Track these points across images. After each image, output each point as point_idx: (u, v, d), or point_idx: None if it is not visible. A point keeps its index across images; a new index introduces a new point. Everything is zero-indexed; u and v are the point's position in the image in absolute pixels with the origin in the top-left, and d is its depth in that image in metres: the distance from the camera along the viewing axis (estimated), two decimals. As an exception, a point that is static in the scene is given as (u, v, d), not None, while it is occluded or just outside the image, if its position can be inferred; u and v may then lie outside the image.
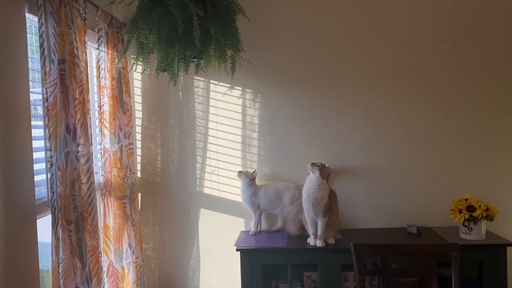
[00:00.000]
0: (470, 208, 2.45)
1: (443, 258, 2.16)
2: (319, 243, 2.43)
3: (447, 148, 2.78)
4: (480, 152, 2.76)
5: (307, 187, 2.49)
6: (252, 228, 2.73)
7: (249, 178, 2.70)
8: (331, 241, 2.48)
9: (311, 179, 2.49)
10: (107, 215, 2.48)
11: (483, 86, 2.75)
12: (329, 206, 2.49)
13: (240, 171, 2.74)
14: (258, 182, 2.80)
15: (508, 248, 2.39)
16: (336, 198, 2.59)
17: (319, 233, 2.45)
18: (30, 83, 1.83)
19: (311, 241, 2.48)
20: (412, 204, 2.79)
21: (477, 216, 2.41)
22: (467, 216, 2.43)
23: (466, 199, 2.49)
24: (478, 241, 2.43)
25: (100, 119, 2.46)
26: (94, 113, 2.50)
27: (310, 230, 2.49)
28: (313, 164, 2.49)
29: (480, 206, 2.43)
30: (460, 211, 2.47)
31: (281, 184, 2.75)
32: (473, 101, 2.76)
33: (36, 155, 1.87)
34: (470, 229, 2.45)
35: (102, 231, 2.45)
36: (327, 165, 2.54)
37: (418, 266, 2.32)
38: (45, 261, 1.92)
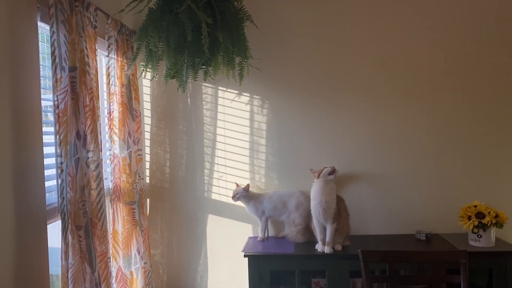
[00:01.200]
0: (480, 215, 2.43)
1: (452, 265, 2.15)
2: (327, 250, 2.42)
3: (456, 155, 2.76)
4: (489, 158, 2.75)
5: (315, 192, 2.48)
6: (260, 234, 2.73)
7: (243, 196, 2.70)
8: (338, 247, 2.47)
9: (319, 182, 2.49)
10: (116, 221, 2.50)
11: (491, 92, 2.74)
12: (338, 211, 2.49)
13: (232, 197, 2.73)
14: (265, 188, 2.82)
15: (518, 255, 2.37)
16: (344, 202, 2.59)
17: (327, 239, 2.45)
18: (42, 90, 1.86)
19: (319, 247, 2.48)
20: (420, 210, 2.78)
21: (486, 223, 2.39)
22: (476, 223, 2.41)
23: (475, 206, 2.48)
24: (488, 248, 2.41)
25: (110, 126, 2.48)
26: (103, 120, 2.52)
27: (318, 236, 2.49)
28: (324, 168, 2.52)
29: (489, 212, 2.42)
30: (469, 218, 2.45)
31: (285, 191, 2.76)
32: (481, 108, 2.74)
33: (46, 161, 1.89)
34: (479, 236, 2.43)
35: (111, 236, 2.46)
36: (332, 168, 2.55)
37: (427, 273, 2.31)
38: (55, 266, 1.94)
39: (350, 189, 2.79)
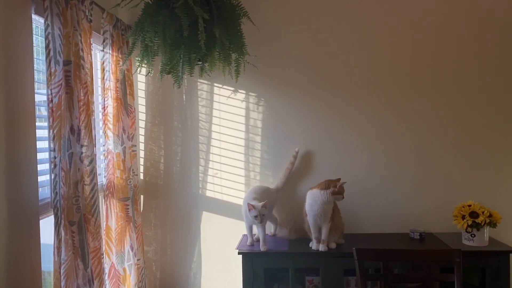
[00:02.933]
0: (473, 214, 2.44)
1: (445, 264, 2.16)
2: (321, 247, 2.42)
3: (450, 154, 2.77)
4: (483, 158, 2.76)
5: (318, 199, 2.44)
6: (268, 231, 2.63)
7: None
8: (332, 245, 2.47)
9: (314, 193, 2.47)
10: (110, 217, 2.48)
11: (486, 92, 2.75)
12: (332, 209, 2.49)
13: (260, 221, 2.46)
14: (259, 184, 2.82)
15: (511, 254, 2.38)
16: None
17: (323, 237, 2.44)
18: (35, 84, 1.83)
19: (313, 245, 2.48)
20: (415, 209, 2.78)
21: (480, 222, 2.40)
22: (470, 222, 2.42)
23: (469, 205, 2.48)
24: (481, 248, 2.41)
25: (104, 121, 2.46)
26: (98, 115, 2.50)
27: (313, 235, 2.49)
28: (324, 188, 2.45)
29: (483, 212, 2.42)
30: (463, 217, 2.46)
31: (262, 186, 2.70)
32: (476, 107, 2.75)
33: (40, 155, 1.87)
34: (473, 235, 2.44)
35: (104, 232, 2.44)
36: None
37: (421, 271, 2.31)
38: (47, 262, 1.92)
39: (345, 188, 2.77)
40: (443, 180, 2.77)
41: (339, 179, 2.47)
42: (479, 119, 2.75)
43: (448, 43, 2.75)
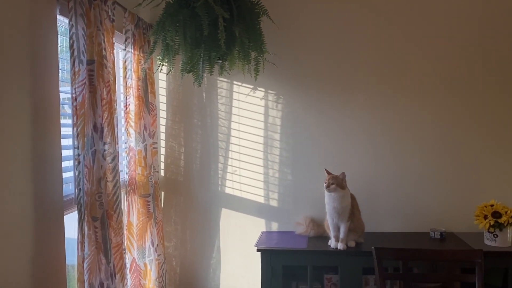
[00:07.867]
0: (496, 214, 2.40)
1: (466, 264, 2.14)
2: (340, 246, 2.42)
3: (472, 153, 2.73)
4: (506, 156, 2.71)
5: (330, 198, 2.45)
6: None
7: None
8: (352, 244, 2.47)
9: (325, 192, 2.47)
10: (131, 213, 2.53)
11: (508, 89, 2.69)
12: (351, 210, 2.48)
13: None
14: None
15: (534, 256, 2.34)
16: (355, 200, 2.57)
17: (341, 236, 2.44)
18: (60, 82, 1.88)
19: (332, 243, 2.48)
20: (435, 208, 2.75)
21: (503, 222, 2.36)
22: (492, 222, 2.38)
23: (492, 205, 2.44)
24: (504, 248, 2.37)
25: (126, 119, 2.51)
26: (120, 113, 2.55)
27: (331, 233, 2.49)
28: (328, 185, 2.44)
29: (506, 212, 2.38)
30: (485, 217, 2.42)
31: None
32: (498, 105, 2.70)
33: (64, 153, 1.92)
34: (495, 236, 2.40)
35: (125, 228, 2.49)
36: (339, 175, 2.47)
37: (441, 271, 2.29)
38: (71, 256, 1.97)
39: (365, 186, 2.77)
40: (465, 179, 2.73)
41: (342, 173, 2.46)
42: (502, 119, 2.70)
43: (468, 41, 2.71)
